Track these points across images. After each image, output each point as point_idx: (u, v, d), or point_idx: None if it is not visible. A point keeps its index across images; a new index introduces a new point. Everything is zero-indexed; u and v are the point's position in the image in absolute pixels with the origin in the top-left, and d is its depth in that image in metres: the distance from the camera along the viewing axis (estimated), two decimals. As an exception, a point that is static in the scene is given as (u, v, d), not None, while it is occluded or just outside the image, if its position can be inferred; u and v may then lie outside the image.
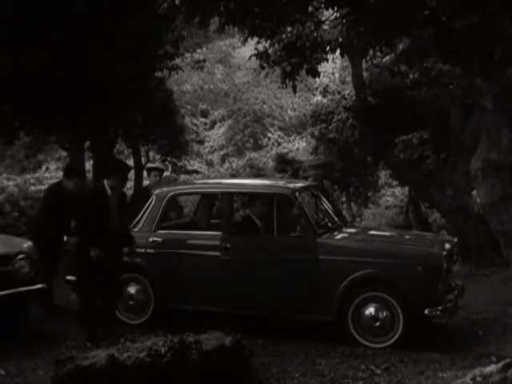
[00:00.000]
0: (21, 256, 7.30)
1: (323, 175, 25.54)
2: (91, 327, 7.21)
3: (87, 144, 17.41)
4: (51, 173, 41.05)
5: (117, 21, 12.44)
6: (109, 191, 7.29)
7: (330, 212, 8.48)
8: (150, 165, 20.21)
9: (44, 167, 50.72)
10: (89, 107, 13.19)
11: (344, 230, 8.16)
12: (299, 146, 62.58)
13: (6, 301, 6.93)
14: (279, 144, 70.79)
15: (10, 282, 7.04)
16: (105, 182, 7.34)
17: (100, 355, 4.91)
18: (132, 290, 8.03)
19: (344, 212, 15.14)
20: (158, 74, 16.69)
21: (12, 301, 7.01)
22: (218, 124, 75.12)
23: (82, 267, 7.28)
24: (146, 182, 10.65)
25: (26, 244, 7.64)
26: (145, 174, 9.55)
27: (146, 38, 13.25)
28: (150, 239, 7.95)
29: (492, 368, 4.62)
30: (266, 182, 10.01)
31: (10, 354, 6.61)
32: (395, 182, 27.43)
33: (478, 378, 4.50)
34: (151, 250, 7.92)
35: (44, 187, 16.44)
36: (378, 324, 6.98)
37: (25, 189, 17.86)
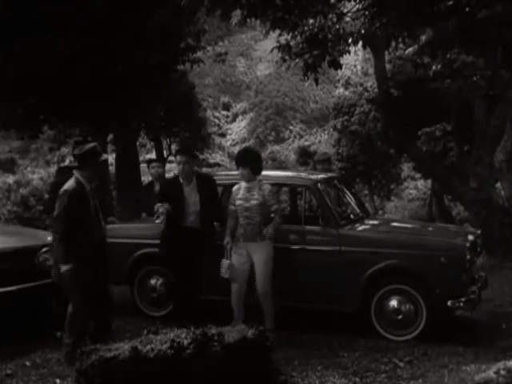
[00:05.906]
0: (45, 249, 7.36)
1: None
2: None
3: (110, 137, 17.53)
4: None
5: (140, 14, 12.50)
6: (87, 185, 6.42)
7: (353, 203, 8.46)
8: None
9: (68, 160, 51.08)
10: (112, 100, 13.27)
11: (366, 221, 8.11)
12: (321, 139, 62.38)
13: (31, 293, 7.00)
14: (301, 137, 70.61)
15: (34, 275, 7.12)
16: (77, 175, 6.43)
17: (123, 347, 4.93)
18: (154, 282, 8.07)
19: (366, 204, 15.10)
20: (180, 67, 16.73)
21: (37, 293, 7.08)
22: (239, 117, 75.06)
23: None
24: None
25: (51, 237, 7.70)
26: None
27: (169, 31, 13.30)
28: (173, 231, 7.94)
29: (516, 361, 4.60)
30: (289, 173, 9.95)
31: (35, 346, 6.67)
32: (418, 175, 27.32)
33: (502, 372, 4.47)
34: (174, 242, 7.91)
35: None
36: (400, 317, 6.96)
37: (49, 182, 17.94)
